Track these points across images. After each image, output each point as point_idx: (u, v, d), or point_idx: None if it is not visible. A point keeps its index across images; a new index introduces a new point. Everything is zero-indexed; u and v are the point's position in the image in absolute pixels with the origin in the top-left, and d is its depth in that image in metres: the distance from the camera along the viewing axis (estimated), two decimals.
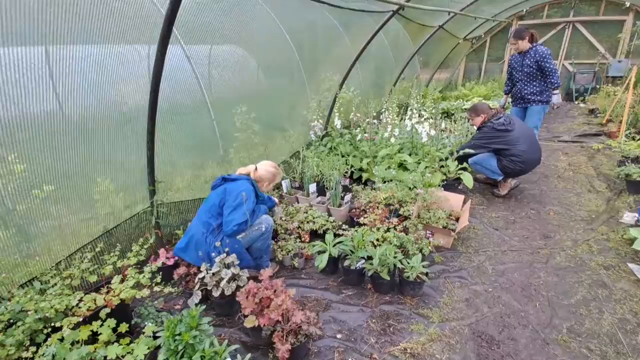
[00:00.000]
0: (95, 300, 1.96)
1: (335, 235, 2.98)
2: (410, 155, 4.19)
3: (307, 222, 3.19)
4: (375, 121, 4.86)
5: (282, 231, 3.09)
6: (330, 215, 3.64)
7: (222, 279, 2.19)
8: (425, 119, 3.84)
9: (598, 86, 8.74)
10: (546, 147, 5.55)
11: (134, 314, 2.13)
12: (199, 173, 3.96)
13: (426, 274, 2.35)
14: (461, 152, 3.72)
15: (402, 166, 4.02)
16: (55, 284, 2.02)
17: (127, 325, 1.99)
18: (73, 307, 1.90)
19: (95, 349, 1.71)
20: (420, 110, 4.59)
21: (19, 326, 1.72)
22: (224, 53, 3.87)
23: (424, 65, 9.16)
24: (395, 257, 2.39)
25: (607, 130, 5.93)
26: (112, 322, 1.92)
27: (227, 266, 2.28)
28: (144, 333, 1.89)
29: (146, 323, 2.06)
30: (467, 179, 3.60)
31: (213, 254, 2.36)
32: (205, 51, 3.67)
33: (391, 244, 2.61)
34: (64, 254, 2.26)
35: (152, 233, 2.83)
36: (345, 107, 5.16)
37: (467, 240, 3.06)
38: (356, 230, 2.80)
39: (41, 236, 2.18)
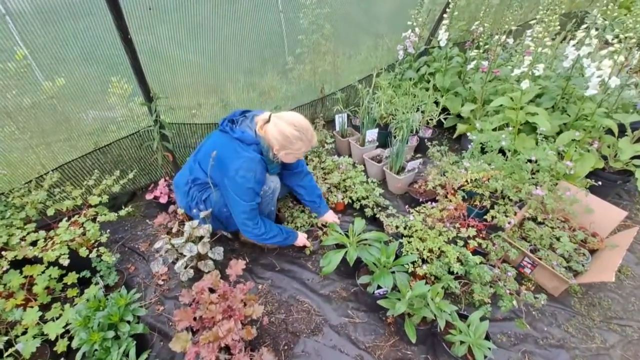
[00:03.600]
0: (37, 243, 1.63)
1: (372, 219, 2.04)
2: (551, 111, 2.54)
3: (342, 188, 2.26)
4: (510, 41, 3.06)
5: None
6: (383, 182, 2.61)
7: (181, 256, 1.62)
8: (611, 52, 2.02)
9: None
10: None
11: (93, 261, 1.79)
12: (255, 81, 3.23)
13: (489, 348, 1.34)
14: None
15: (528, 129, 2.48)
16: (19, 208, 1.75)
17: (77, 275, 1.69)
18: (14, 245, 1.61)
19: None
20: (604, 31, 2.59)
21: None
22: None
23: None
24: (438, 307, 1.40)
25: None
26: (55, 270, 1.61)
27: (196, 240, 1.67)
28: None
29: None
30: None
31: (194, 211, 1.76)
32: None
33: (442, 277, 1.58)
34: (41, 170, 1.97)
35: (160, 156, 2.36)
36: (470, 13, 3.38)
37: (596, 292, 1.76)
38: (405, 228, 1.81)
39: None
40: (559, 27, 2.10)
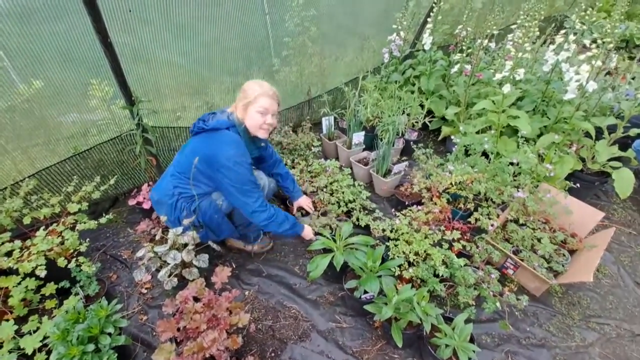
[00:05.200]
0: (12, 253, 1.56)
1: (355, 226, 2.06)
2: (532, 114, 2.60)
3: (329, 191, 2.26)
4: (492, 45, 3.12)
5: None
6: (370, 184, 2.63)
7: (165, 264, 1.59)
8: (589, 57, 2.08)
9: None
10: None
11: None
12: (241, 83, 3.19)
13: (473, 351, 1.35)
14: None
15: (510, 132, 2.54)
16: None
17: (55, 286, 1.63)
18: None
19: None
20: (582, 36, 2.67)
21: None
22: None
23: None
24: (424, 310, 1.41)
25: None
26: (31, 281, 1.56)
27: (180, 248, 1.64)
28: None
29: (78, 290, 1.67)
30: (623, 183, 2.05)
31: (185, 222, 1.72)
32: None
33: (427, 280, 1.60)
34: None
35: (142, 161, 2.30)
36: (454, 17, 3.44)
37: (575, 291, 1.82)
38: (391, 231, 1.83)
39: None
40: (538, 33, 2.15)
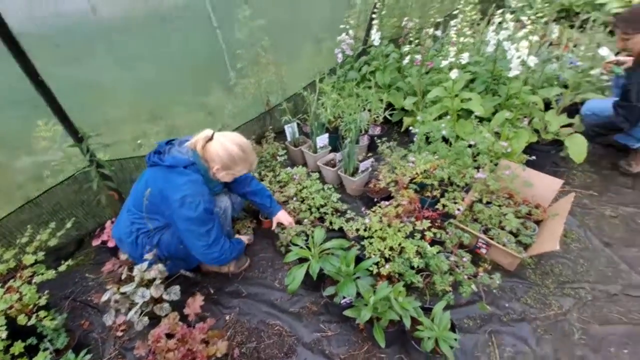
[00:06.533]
0: None
1: (329, 230, 2.05)
2: (484, 94, 2.67)
3: (299, 199, 2.24)
4: (438, 33, 3.19)
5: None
6: (341, 185, 2.63)
7: (134, 304, 1.52)
8: (525, 34, 2.16)
9: None
10: None
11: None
12: (200, 102, 3.14)
13: (455, 339, 1.36)
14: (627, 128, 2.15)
15: (467, 114, 2.59)
16: None
17: (23, 344, 1.53)
18: None
19: None
20: (522, 11, 2.77)
21: None
22: None
23: None
24: (402, 306, 1.41)
25: None
26: None
27: (148, 284, 1.57)
28: None
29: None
30: (577, 148, 2.13)
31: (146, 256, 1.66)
32: None
33: (405, 273, 1.61)
34: None
35: (103, 197, 2.21)
36: (400, 9, 3.51)
37: (547, 260, 1.87)
38: (365, 230, 1.82)
39: None
40: (476, 17, 2.21)
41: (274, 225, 2.04)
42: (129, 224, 1.63)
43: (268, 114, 3.27)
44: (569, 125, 2.29)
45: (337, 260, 1.66)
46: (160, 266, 1.59)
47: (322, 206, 2.21)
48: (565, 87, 2.37)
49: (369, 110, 3.01)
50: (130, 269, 1.66)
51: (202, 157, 1.57)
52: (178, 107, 2.75)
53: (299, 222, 2.15)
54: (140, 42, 2.21)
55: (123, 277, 1.63)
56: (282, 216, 2.02)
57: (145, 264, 1.58)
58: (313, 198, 2.21)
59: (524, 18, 2.35)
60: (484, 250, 1.86)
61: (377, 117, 2.96)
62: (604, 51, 2.41)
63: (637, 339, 1.48)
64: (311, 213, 2.16)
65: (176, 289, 1.61)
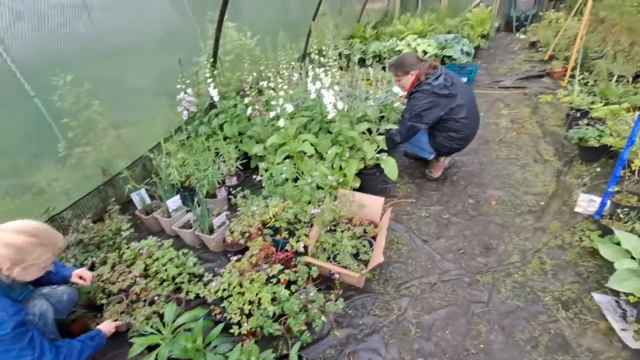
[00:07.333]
0: None
1: (190, 300, 1.92)
2: (320, 133, 3.05)
3: (152, 274, 2.04)
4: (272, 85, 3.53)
5: (104, 297, 1.94)
6: (204, 245, 2.53)
7: None
8: (330, 84, 2.61)
9: (540, 12, 7.93)
10: (486, 97, 4.73)
11: None
12: (26, 183, 2.58)
13: None
14: (399, 140, 2.70)
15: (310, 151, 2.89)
16: None
17: None
18: None
19: None
20: (321, 62, 3.23)
21: None
22: None
23: None
24: None
25: (550, 69, 5.22)
26: None
27: None
28: None
29: None
30: (390, 168, 2.61)
31: None
32: None
33: (264, 325, 1.62)
34: None
35: None
36: (250, 62, 3.72)
37: (387, 269, 2.18)
38: (224, 290, 1.76)
39: None
40: (288, 72, 2.54)
41: (73, 277, 1.81)
42: None
43: (110, 184, 2.94)
44: (385, 150, 2.80)
45: (184, 337, 1.55)
46: None
47: (179, 275, 2.06)
48: (375, 121, 2.93)
49: (224, 162, 3.04)
50: None
51: None
52: None
53: (152, 302, 1.94)
54: None
55: None
56: (82, 272, 1.85)
57: None
58: (166, 270, 2.04)
59: (319, 70, 2.85)
60: (337, 276, 2.05)
61: (231, 167, 3.01)
62: (396, 89, 3.11)
63: (454, 317, 1.84)
64: (165, 287, 1.98)
65: None
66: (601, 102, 3.34)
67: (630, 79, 3.77)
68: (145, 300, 1.95)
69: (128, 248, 2.19)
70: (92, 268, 2.17)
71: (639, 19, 4.78)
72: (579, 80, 3.82)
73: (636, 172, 2.33)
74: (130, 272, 2.06)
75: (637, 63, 4.10)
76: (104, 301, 1.96)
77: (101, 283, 2.01)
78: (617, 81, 3.77)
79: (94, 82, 2.70)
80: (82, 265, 2.21)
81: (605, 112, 2.91)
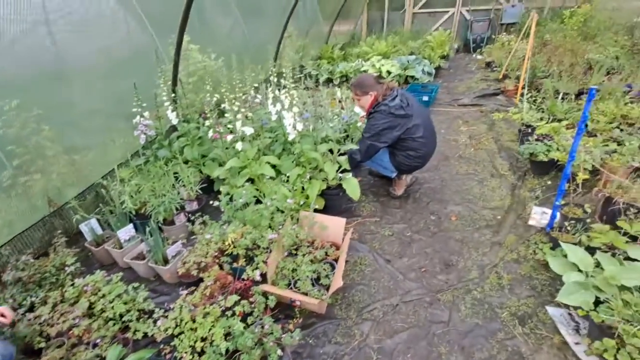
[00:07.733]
0: None
1: (138, 340, 1.78)
2: (283, 154, 3.03)
3: (97, 312, 1.88)
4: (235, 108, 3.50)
5: (42, 341, 1.77)
6: (157, 277, 2.39)
7: None
8: (289, 106, 2.63)
9: (493, 36, 8.52)
10: (446, 115, 4.94)
11: None
12: None
13: None
14: (359, 159, 2.72)
15: (270, 173, 2.85)
16: None
17: None
18: None
19: None
20: (281, 85, 3.25)
21: None
22: None
23: (325, 16, 7.80)
24: None
25: (504, 87, 5.56)
26: None
27: None
28: None
29: None
30: (352, 188, 2.62)
31: None
32: None
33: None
34: None
35: None
36: (213, 84, 3.67)
37: (349, 292, 2.13)
38: (176, 327, 1.63)
39: None
40: (257, 95, 2.53)
41: None
42: None
43: (57, 215, 2.74)
44: (348, 170, 2.81)
45: None
46: None
47: (127, 312, 1.91)
48: (338, 142, 2.95)
49: (184, 186, 2.93)
50: None
51: None
52: None
53: (95, 344, 1.78)
54: None
55: None
56: (2, 310, 1.68)
57: None
58: (112, 307, 1.89)
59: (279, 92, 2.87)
60: (298, 303, 1.98)
61: (191, 191, 2.91)
62: (357, 109, 3.17)
63: (415, 339, 1.81)
64: (111, 327, 1.83)
65: None
66: (548, 119, 3.57)
67: (574, 97, 4.07)
68: (88, 343, 1.80)
69: (72, 285, 2.03)
70: (31, 309, 1.99)
71: (578, 42, 5.23)
72: (528, 98, 4.07)
73: (580, 185, 2.46)
74: (73, 311, 1.90)
75: (579, 82, 4.45)
76: (42, 345, 1.79)
77: (38, 326, 1.84)
78: (562, 98, 4.06)
79: (46, 106, 2.58)
80: (20, 306, 2.02)
81: (548, 129, 3.10)
